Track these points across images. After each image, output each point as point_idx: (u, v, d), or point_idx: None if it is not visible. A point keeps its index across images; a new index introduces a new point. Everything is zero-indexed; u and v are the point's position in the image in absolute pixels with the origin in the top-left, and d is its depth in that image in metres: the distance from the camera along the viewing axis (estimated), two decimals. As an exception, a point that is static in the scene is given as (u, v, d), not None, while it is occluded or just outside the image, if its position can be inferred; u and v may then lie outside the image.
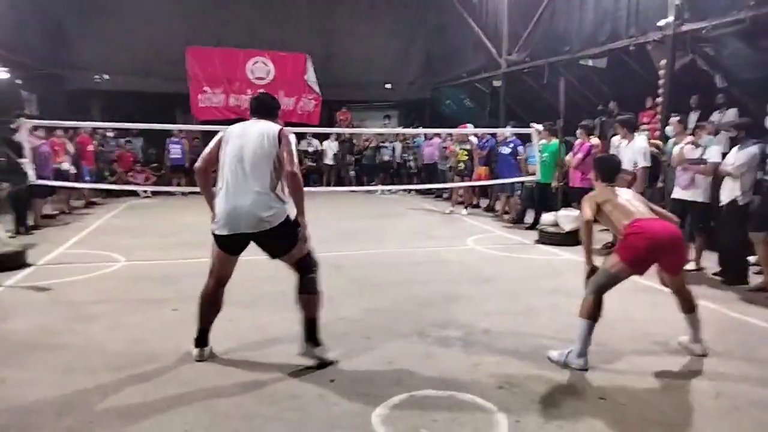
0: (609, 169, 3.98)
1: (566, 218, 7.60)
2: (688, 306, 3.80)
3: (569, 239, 7.48)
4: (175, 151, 13.24)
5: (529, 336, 4.12)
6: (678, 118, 6.59)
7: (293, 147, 3.55)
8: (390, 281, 5.70)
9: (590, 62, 10.23)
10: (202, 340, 3.66)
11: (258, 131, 3.52)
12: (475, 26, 13.87)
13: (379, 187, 13.63)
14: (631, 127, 6.84)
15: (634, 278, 5.79)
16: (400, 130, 15.72)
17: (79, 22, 14.05)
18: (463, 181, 10.52)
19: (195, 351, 3.63)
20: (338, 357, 3.64)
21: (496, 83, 13.15)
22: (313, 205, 9.76)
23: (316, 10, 16.01)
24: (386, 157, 14.82)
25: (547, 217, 7.96)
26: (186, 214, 10.20)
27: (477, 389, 3.22)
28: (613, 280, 3.62)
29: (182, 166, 13.21)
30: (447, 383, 3.30)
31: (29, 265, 6.04)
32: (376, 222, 9.68)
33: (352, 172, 15.35)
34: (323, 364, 3.54)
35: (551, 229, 7.69)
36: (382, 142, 14.94)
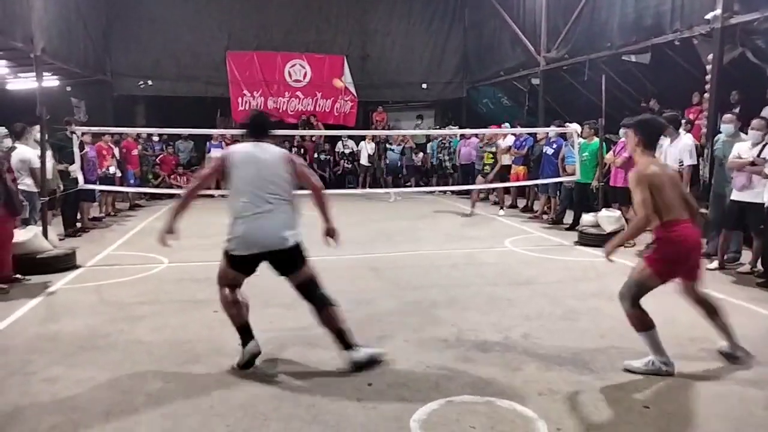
0: (657, 131, 3.62)
1: (607, 219, 7.42)
2: (712, 308, 3.66)
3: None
4: (215, 154, 13.52)
5: (570, 341, 4.04)
6: (735, 114, 6.36)
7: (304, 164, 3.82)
8: (427, 283, 5.67)
9: (633, 58, 9.94)
10: (246, 338, 3.62)
11: (270, 157, 3.67)
12: (513, 23, 13.68)
13: (392, 190, 13.13)
14: (677, 125, 6.63)
15: (677, 280, 5.65)
16: (430, 131, 15.61)
17: (123, 31, 14.52)
18: (485, 182, 10.41)
19: (246, 349, 3.57)
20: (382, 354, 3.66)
21: (535, 81, 12.94)
22: (348, 206, 9.91)
23: (353, 11, 16.10)
24: (388, 160, 14.47)
25: (587, 218, 7.79)
26: (225, 216, 10.40)
27: (516, 395, 3.17)
28: (644, 289, 3.51)
29: (222, 169, 13.50)
30: (485, 389, 3.27)
31: (78, 267, 6.28)
32: (412, 223, 9.66)
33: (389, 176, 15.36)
34: (373, 360, 3.59)
35: (591, 230, 7.52)
36: (389, 144, 14.61)
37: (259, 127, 3.88)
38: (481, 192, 12.67)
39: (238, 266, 3.68)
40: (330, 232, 3.93)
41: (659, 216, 3.41)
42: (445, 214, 10.83)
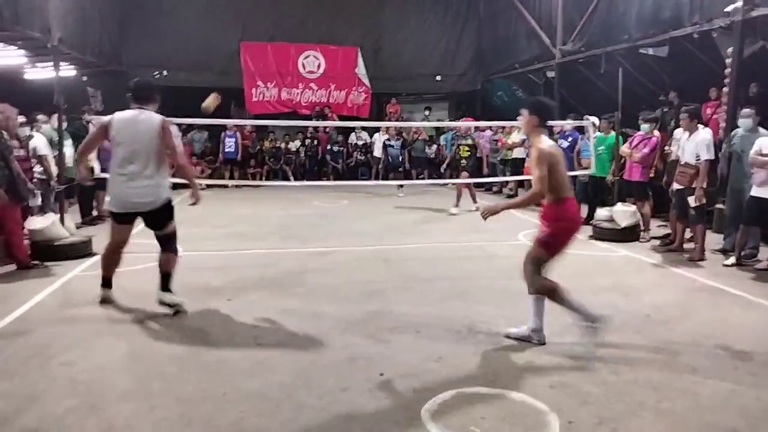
0: (550, 112, 3.90)
1: (622, 213, 7.36)
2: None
3: (625, 235, 7.25)
4: (229, 144, 13.58)
5: (582, 335, 4.01)
6: (754, 109, 6.27)
7: (176, 137, 4.35)
8: (439, 275, 5.67)
9: (650, 51, 9.80)
10: (107, 284, 4.61)
11: (144, 126, 4.22)
12: (528, 15, 13.55)
13: (403, 182, 12.71)
14: (698, 118, 6.52)
15: (693, 276, 5.62)
16: (440, 123, 15.53)
17: (139, 21, 14.58)
18: (461, 177, 9.77)
19: (101, 291, 4.55)
20: (391, 350, 3.66)
21: (550, 74, 12.83)
22: (360, 198, 9.86)
23: (367, 2, 16.03)
24: (390, 157, 13.90)
25: (601, 213, 7.73)
26: (239, 206, 10.49)
27: (528, 388, 3.17)
28: (540, 263, 3.76)
29: (235, 159, 13.59)
30: (497, 381, 3.27)
31: (94, 254, 6.35)
32: (424, 215, 9.65)
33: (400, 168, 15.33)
34: (176, 306, 4.36)
35: (606, 225, 7.46)
36: (387, 139, 14.01)
37: (142, 94, 4.36)
38: (495, 185, 12.63)
39: (118, 221, 4.42)
40: (193, 196, 4.54)
41: (555, 193, 3.64)
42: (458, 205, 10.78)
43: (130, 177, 4.25)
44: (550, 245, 3.72)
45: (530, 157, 3.75)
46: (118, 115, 4.34)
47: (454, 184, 10.23)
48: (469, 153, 9.76)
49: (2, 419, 2.82)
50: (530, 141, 3.88)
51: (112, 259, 4.63)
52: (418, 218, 9.30)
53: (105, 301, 4.58)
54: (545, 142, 3.71)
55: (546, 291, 3.75)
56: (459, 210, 9.65)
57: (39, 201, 5.86)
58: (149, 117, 4.31)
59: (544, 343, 3.79)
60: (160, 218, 4.40)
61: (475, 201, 10.00)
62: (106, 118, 4.49)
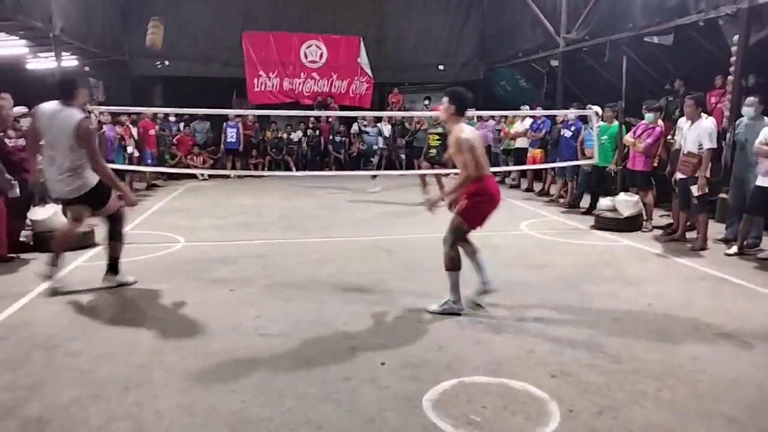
0: (467, 101, 4.22)
1: (625, 203, 7.34)
2: (472, 249, 4.33)
3: (628, 225, 7.23)
4: (231, 134, 13.56)
5: (584, 324, 4.03)
6: (758, 98, 6.22)
7: (93, 140, 4.51)
8: (440, 266, 5.64)
9: (655, 39, 9.71)
10: (56, 260, 4.68)
11: (62, 123, 4.31)
12: (532, 3, 13.43)
13: (379, 172, 11.96)
14: (703, 106, 6.47)
15: (695, 266, 5.61)
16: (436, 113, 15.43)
17: (141, 11, 14.48)
18: (433, 168, 9.21)
19: (49, 269, 4.64)
20: (392, 340, 3.67)
21: (554, 63, 12.72)
22: (363, 187, 9.81)
23: (370, -9, 15.93)
24: (375, 146, 13.07)
25: (604, 202, 7.70)
26: (241, 197, 10.50)
27: (529, 377, 3.18)
28: (460, 233, 4.21)
29: (236, 150, 13.59)
30: (498, 370, 3.28)
31: (97, 245, 6.37)
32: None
33: (402, 155, 15.27)
34: (125, 284, 4.71)
35: (609, 215, 7.44)
36: (365, 125, 13.28)
37: (64, 89, 4.43)
38: (498, 174, 12.59)
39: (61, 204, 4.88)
40: (122, 199, 4.74)
41: (478, 174, 4.06)
42: (460, 197, 10.76)
43: (54, 167, 4.43)
44: (469, 217, 4.16)
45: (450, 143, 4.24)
46: (41, 108, 4.46)
47: (441, 174, 9.39)
48: (439, 142, 9.09)
49: (7, 409, 2.85)
50: (449, 127, 4.27)
51: (68, 238, 4.87)
52: (420, 208, 9.27)
53: (49, 278, 4.67)
54: (462, 130, 4.08)
55: (451, 262, 4.20)
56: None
57: (17, 192, 5.77)
58: (68, 115, 4.35)
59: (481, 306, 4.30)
60: (93, 201, 4.60)
61: (425, 191, 9.24)
62: (32, 110, 4.73)
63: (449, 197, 4.26)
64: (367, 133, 12.71)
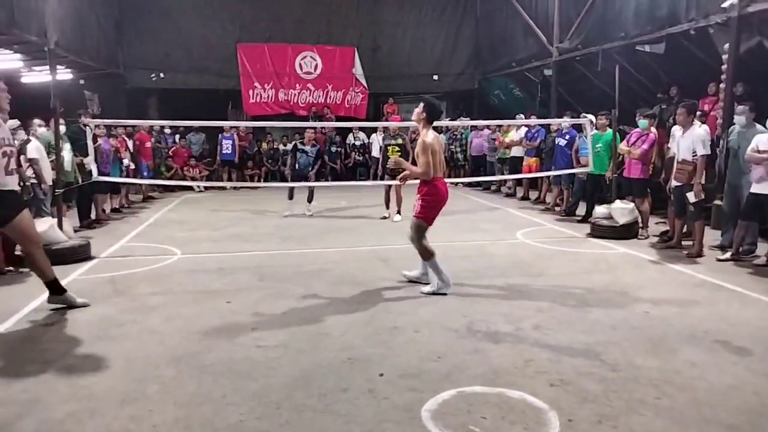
0: (437, 112, 5.04)
1: (620, 211, 7.36)
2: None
3: (624, 233, 7.25)
4: (226, 146, 13.57)
5: (581, 332, 4.03)
6: (749, 105, 6.27)
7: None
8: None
9: (647, 48, 9.81)
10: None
11: None
12: (525, 13, 13.56)
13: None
14: (695, 113, 6.51)
15: (691, 273, 5.63)
16: (440, 123, 15.49)
17: (135, 23, 14.59)
18: (393, 180, 8.34)
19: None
20: (390, 351, 3.66)
21: (547, 72, 12.83)
22: (359, 198, 9.84)
23: (364, 2, 16.04)
24: (299, 165, 10.06)
25: (600, 210, 7.73)
26: (237, 208, 10.48)
27: (528, 386, 3.17)
28: (422, 230, 4.94)
29: (232, 161, 13.58)
30: (497, 380, 3.27)
31: (92, 258, 6.35)
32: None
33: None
34: (74, 305, 4.56)
35: (604, 222, 7.47)
36: (302, 144, 10.11)
37: None
38: (493, 183, 12.64)
39: None
40: None
41: (433, 175, 4.83)
42: (456, 206, 10.79)
43: None
44: (425, 215, 4.92)
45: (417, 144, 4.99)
46: None
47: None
48: (399, 154, 8.69)
49: (2, 425, 2.81)
50: (419, 129, 5.09)
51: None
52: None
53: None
54: (429, 135, 4.88)
55: (426, 253, 4.94)
56: (401, 217, 8.69)
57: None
58: None
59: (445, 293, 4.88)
60: None
61: (388, 208, 9.09)
62: None
63: (404, 174, 5.39)
64: (305, 152, 10.20)
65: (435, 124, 5.15)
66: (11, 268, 5.76)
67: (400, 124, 9.67)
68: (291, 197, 9.72)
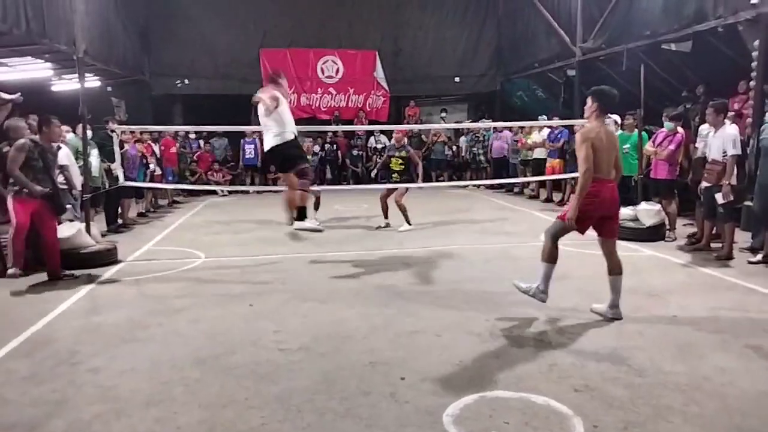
0: (612, 100, 4.50)
1: (647, 212, 7.23)
2: (616, 269, 4.35)
3: (651, 235, 7.11)
4: (249, 150, 13.72)
5: (606, 337, 3.96)
6: None
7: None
8: (460, 278, 5.64)
9: (673, 46, 9.62)
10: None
11: None
12: (547, 13, 13.42)
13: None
14: (725, 113, 6.35)
15: (721, 276, 5.49)
16: (457, 125, 15.42)
17: (161, 31, 14.86)
18: (391, 192, 8.37)
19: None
20: (412, 354, 3.66)
21: (571, 72, 12.68)
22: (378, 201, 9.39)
23: (385, 5, 16.07)
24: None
25: (626, 212, 7.57)
26: (260, 212, 10.58)
27: (551, 391, 3.12)
28: (564, 231, 4.32)
29: (255, 165, 13.73)
30: (520, 384, 3.23)
31: (119, 262, 6.47)
32: (445, 218, 9.60)
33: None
34: None
35: (630, 224, 7.32)
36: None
37: None
38: (516, 186, 12.51)
39: None
40: None
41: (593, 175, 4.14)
42: (478, 209, 10.73)
43: None
44: (571, 217, 4.27)
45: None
46: None
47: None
48: (402, 167, 8.36)
49: (33, 425, 2.88)
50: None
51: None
52: (438, 220, 9.26)
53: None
54: (588, 127, 4.38)
55: (548, 254, 4.43)
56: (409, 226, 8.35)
57: (71, 215, 6.01)
58: None
59: None
60: None
61: (386, 217, 8.57)
62: None
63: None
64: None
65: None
66: (70, 273, 5.82)
67: (406, 127, 9.55)
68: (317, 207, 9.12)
